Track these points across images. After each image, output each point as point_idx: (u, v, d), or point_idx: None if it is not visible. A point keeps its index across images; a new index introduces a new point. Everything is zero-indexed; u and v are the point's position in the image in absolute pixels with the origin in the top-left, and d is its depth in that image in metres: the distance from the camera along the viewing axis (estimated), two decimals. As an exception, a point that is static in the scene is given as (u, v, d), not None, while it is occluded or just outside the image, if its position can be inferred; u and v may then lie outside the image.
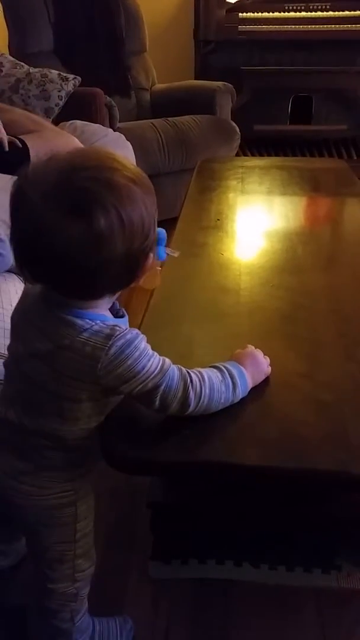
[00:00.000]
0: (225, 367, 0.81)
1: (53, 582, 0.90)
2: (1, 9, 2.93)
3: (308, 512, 1.10)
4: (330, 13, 3.38)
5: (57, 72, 2.51)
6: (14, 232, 0.70)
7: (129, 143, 2.19)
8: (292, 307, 1.13)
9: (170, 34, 3.61)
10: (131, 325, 0.81)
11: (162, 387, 0.74)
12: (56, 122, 2.21)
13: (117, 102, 2.68)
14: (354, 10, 3.35)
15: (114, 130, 2.30)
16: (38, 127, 1.80)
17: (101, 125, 2.24)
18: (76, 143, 1.81)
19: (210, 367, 0.81)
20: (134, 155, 2.12)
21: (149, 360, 0.73)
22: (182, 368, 0.77)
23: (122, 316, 0.81)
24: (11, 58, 2.57)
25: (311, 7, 3.38)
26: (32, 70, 2.49)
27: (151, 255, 0.75)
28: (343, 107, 3.52)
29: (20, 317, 0.80)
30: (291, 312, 1.12)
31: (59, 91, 2.44)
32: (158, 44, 3.42)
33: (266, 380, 0.87)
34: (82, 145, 1.81)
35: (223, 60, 3.47)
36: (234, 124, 3.04)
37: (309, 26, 3.38)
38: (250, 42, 3.42)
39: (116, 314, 0.80)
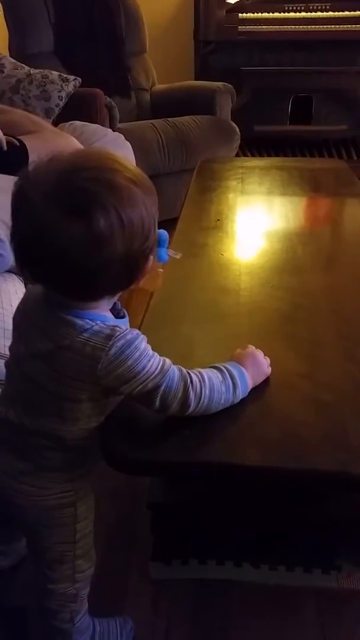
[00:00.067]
0: (225, 367, 0.81)
1: (53, 582, 0.90)
2: (1, 10, 2.93)
3: (308, 512, 1.10)
4: (330, 13, 3.38)
5: (57, 73, 2.51)
6: (14, 232, 0.70)
7: (128, 143, 2.19)
8: (292, 308, 1.13)
9: (170, 34, 3.61)
10: (131, 325, 0.81)
11: (162, 388, 0.74)
12: (56, 122, 2.22)
13: (117, 103, 2.68)
14: (354, 11, 3.35)
15: (114, 131, 2.30)
16: (38, 127, 1.80)
17: (100, 126, 2.24)
18: (75, 144, 1.81)
19: (211, 367, 0.81)
20: (133, 155, 2.12)
21: (149, 360, 0.73)
22: (183, 368, 0.77)
23: (122, 317, 0.81)
24: (12, 60, 2.57)
25: (311, 8, 3.38)
26: (32, 71, 2.49)
27: (151, 256, 0.75)
28: (343, 107, 3.52)
29: (22, 317, 0.80)
30: (291, 313, 1.12)
31: (59, 92, 2.44)
32: (158, 45, 3.42)
33: (266, 381, 0.87)
34: (81, 146, 1.81)
35: (223, 60, 3.47)
36: (234, 125, 3.04)
37: (309, 26, 3.38)
38: (250, 42, 3.42)
39: (117, 315, 0.80)
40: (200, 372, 0.78)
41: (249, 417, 0.82)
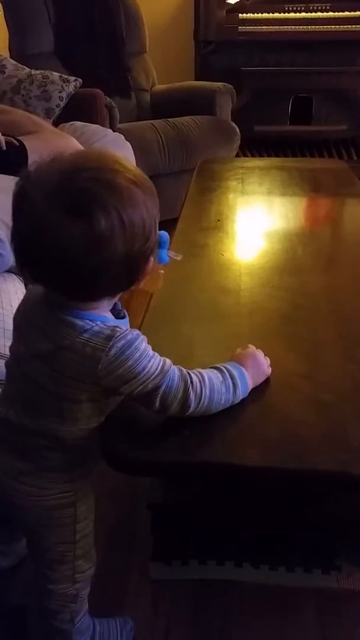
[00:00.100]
0: (226, 368, 0.81)
1: (53, 582, 0.90)
2: (1, 10, 2.93)
3: (308, 512, 1.10)
4: (330, 14, 3.38)
5: (58, 74, 2.51)
6: (15, 232, 0.70)
7: (128, 143, 2.19)
8: (292, 308, 1.13)
9: (170, 34, 3.61)
10: (132, 325, 0.81)
11: (163, 388, 0.74)
12: (57, 123, 2.22)
13: (118, 103, 2.68)
14: (354, 11, 3.35)
15: (114, 131, 2.30)
16: (38, 128, 1.80)
17: (101, 126, 2.24)
18: (75, 144, 1.81)
19: (211, 368, 0.81)
20: (133, 156, 2.12)
21: (149, 361, 0.73)
22: (183, 369, 0.77)
23: (123, 317, 0.81)
24: (13, 61, 2.58)
25: (311, 8, 3.38)
26: (33, 72, 2.49)
27: (152, 258, 0.75)
28: (343, 107, 3.52)
29: (23, 318, 0.81)
30: (291, 313, 1.12)
31: (60, 92, 2.44)
32: (158, 45, 3.42)
33: (266, 381, 0.87)
34: (81, 147, 1.81)
35: (223, 61, 3.47)
36: (234, 125, 3.04)
37: (309, 27, 3.38)
38: (251, 42, 3.42)
39: (117, 315, 0.80)
40: (200, 373, 0.78)
41: (249, 417, 0.82)
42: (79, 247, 0.66)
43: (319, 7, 3.38)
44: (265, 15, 3.40)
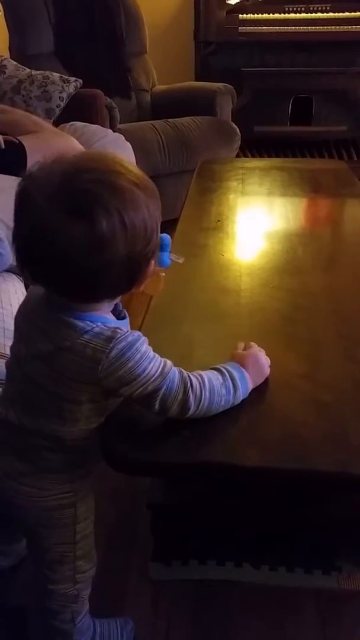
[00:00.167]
0: (226, 369, 0.81)
1: (54, 583, 0.90)
2: (2, 10, 2.93)
3: (308, 512, 1.10)
4: (331, 14, 3.38)
5: (58, 74, 2.51)
6: (17, 233, 0.70)
7: (128, 143, 2.19)
8: (292, 308, 1.13)
9: (171, 35, 3.61)
10: (132, 326, 0.81)
11: (162, 391, 0.74)
12: (57, 123, 2.22)
13: (118, 104, 2.69)
14: (354, 12, 3.36)
15: (115, 132, 2.30)
16: (38, 128, 1.80)
17: (101, 126, 2.24)
18: (75, 144, 1.81)
19: (212, 369, 0.81)
20: (133, 156, 2.12)
21: (149, 363, 0.73)
22: (183, 371, 0.77)
23: (123, 318, 0.81)
24: (14, 62, 2.58)
25: (311, 9, 3.38)
26: (34, 72, 2.50)
27: (153, 260, 0.75)
28: (343, 108, 3.52)
29: (24, 318, 0.81)
30: (291, 313, 1.12)
31: (60, 92, 2.45)
32: (158, 45, 3.42)
33: (266, 381, 0.87)
34: (81, 147, 1.81)
35: (223, 61, 3.47)
36: (234, 125, 3.05)
37: (309, 27, 3.38)
38: (251, 43, 3.42)
39: (118, 316, 0.80)
40: (200, 375, 0.78)
41: (249, 418, 0.82)
42: (80, 248, 0.66)
43: (319, 8, 3.38)
44: (265, 15, 3.40)
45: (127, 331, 0.73)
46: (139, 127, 2.80)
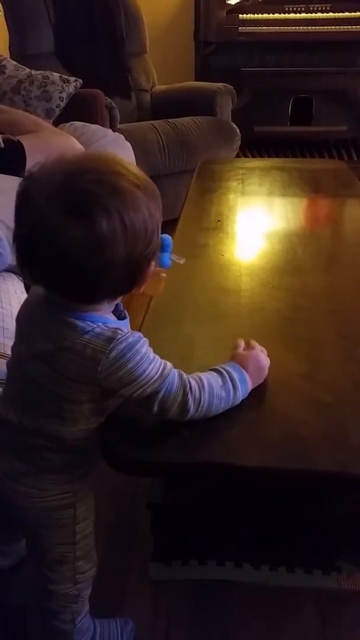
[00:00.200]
0: (226, 370, 0.81)
1: (54, 583, 0.90)
2: (2, 10, 2.93)
3: (308, 513, 1.10)
4: (331, 14, 3.38)
5: (58, 74, 2.51)
6: (17, 233, 0.70)
7: (128, 143, 2.19)
8: (292, 308, 1.13)
9: (171, 35, 3.61)
10: (132, 326, 0.81)
11: (162, 393, 0.74)
12: (57, 123, 2.22)
13: (118, 104, 2.69)
14: (354, 12, 3.36)
15: (114, 132, 2.30)
16: (37, 127, 1.80)
17: (100, 126, 2.24)
18: (74, 143, 1.81)
19: (212, 370, 0.81)
20: (133, 156, 2.12)
21: (149, 364, 0.73)
22: (183, 374, 0.77)
23: (124, 318, 0.81)
24: (14, 61, 2.58)
25: (311, 9, 3.39)
26: (34, 72, 2.50)
27: (153, 262, 0.75)
28: (343, 108, 3.52)
29: (25, 318, 0.81)
30: (291, 313, 1.12)
31: (60, 92, 2.45)
32: (158, 45, 3.42)
33: (266, 381, 0.87)
34: (80, 146, 1.81)
35: (223, 61, 3.47)
36: (234, 125, 3.05)
37: (309, 27, 3.39)
38: (251, 43, 3.42)
39: (119, 316, 0.80)
40: (200, 377, 0.78)
41: (249, 418, 0.82)
42: (80, 248, 0.66)
43: (319, 8, 3.38)
44: (265, 15, 3.40)
45: (128, 332, 0.73)
46: (139, 127, 2.80)
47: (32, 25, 2.91)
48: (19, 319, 0.82)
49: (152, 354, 0.74)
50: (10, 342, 0.87)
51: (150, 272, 0.75)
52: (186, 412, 0.76)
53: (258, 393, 0.85)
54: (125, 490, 1.34)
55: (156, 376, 0.73)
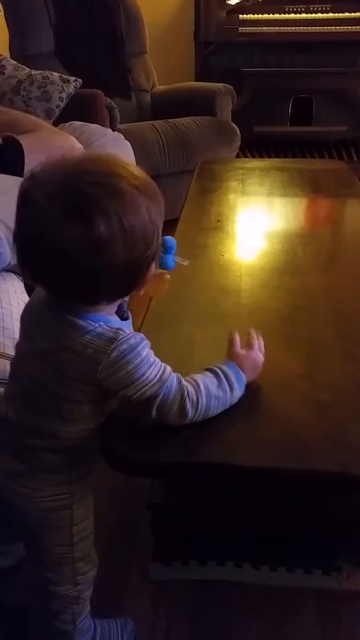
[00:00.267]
0: (222, 370, 0.81)
1: (54, 584, 0.90)
2: (2, 10, 2.93)
3: (308, 513, 1.10)
4: (331, 14, 3.38)
5: (58, 74, 2.51)
6: (18, 232, 0.70)
7: (128, 143, 2.19)
8: (292, 308, 1.13)
9: (171, 35, 3.61)
10: (132, 326, 0.81)
11: (160, 398, 0.74)
12: (57, 123, 2.22)
13: (118, 104, 2.69)
14: (354, 12, 3.36)
15: (114, 132, 2.30)
16: (37, 127, 1.80)
17: (100, 126, 2.24)
18: (74, 143, 1.80)
19: (208, 370, 0.81)
20: (133, 155, 2.12)
21: (149, 367, 0.73)
22: (182, 379, 0.76)
23: (126, 318, 0.81)
24: (13, 61, 2.58)
25: (311, 9, 3.39)
26: (33, 72, 2.49)
27: (153, 264, 0.75)
28: (343, 108, 3.52)
29: (30, 317, 0.80)
30: (291, 313, 1.12)
31: (60, 93, 2.44)
32: (158, 46, 3.42)
33: (266, 381, 0.87)
34: (80, 145, 1.81)
35: (223, 61, 3.47)
36: (234, 126, 3.05)
37: (309, 28, 3.39)
38: (251, 43, 3.42)
39: (122, 316, 0.80)
40: (196, 381, 0.78)
41: (249, 418, 0.82)
42: (78, 249, 0.66)
43: (319, 8, 3.39)
44: (265, 16, 3.40)
45: (130, 333, 0.73)
46: (139, 128, 2.80)
47: (32, 25, 2.91)
48: (23, 317, 0.82)
49: (152, 357, 0.74)
50: (10, 342, 0.87)
51: (150, 275, 0.75)
52: (184, 417, 0.76)
53: (258, 393, 0.85)
54: (125, 490, 1.34)
55: (155, 380, 0.73)
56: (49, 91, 2.44)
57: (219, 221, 1.60)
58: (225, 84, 3.08)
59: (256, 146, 3.60)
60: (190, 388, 0.76)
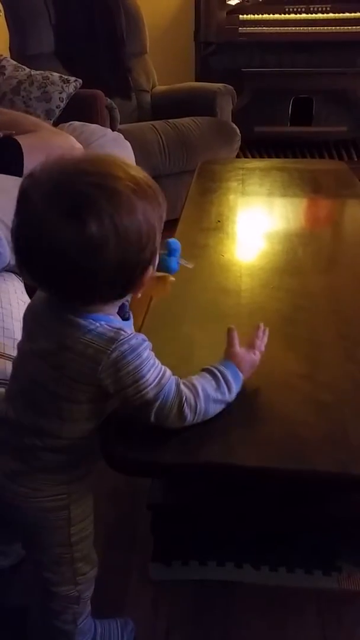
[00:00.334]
0: (220, 371, 0.80)
1: (55, 585, 0.90)
2: (2, 11, 2.94)
3: (308, 513, 1.10)
4: (331, 15, 3.38)
5: (58, 74, 2.51)
6: (16, 232, 0.70)
7: (128, 143, 2.19)
8: (292, 309, 1.13)
9: (171, 35, 3.61)
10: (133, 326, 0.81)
11: (159, 402, 0.74)
12: (57, 123, 2.22)
13: (118, 104, 2.69)
14: (354, 12, 3.36)
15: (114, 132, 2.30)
16: (36, 127, 1.80)
17: (100, 126, 2.24)
18: (74, 142, 1.81)
19: (205, 370, 0.81)
20: (133, 155, 2.12)
21: (149, 370, 0.73)
22: (180, 383, 0.76)
23: (127, 318, 0.80)
24: (13, 61, 2.58)
25: (311, 9, 3.39)
26: (33, 72, 2.50)
27: (151, 267, 0.74)
28: (343, 108, 3.52)
29: (32, 317, 0.80)
30: (291, 314, 1.12)
31: (60, 93, 2.45)
32: (158, 46, 3.42)
33: (266, 381, 0.87)
34: (79, 145, 1.81)
35: (223, 62, 3.47)
36: (234, 126, 3.05)
37: (310, 28, 3.39)
38: (251, 43, 3.42)
39: (123, 316, 0.80)
40: (193, 384, 0.77)
41: (249, 418, 0.82)
42: (72, 249, 0.65)
43: (319, 9, 3.39)
44: (265, 16, 3.40)
45: (132, 333, 0.73)
46: (139, 128, 2.80)
47: (32, 26, 2.91)
48: (26, 317, 0.82)
49: (153, 359, 0.74)
50: (10, 343, 0.87)
51: (149, 277, 0.75)
52: (183, 420, 0.76)
53: (258, 393, 0.85)
54: (125, 490, 1.34)
55: (154, 383, 0.73)
56: (49, 91, 2.44)
57: (219, 221, 1.60)
58: (226, 84, 3.08)
59: (256, 146, 3.60)
60: (188, 392, 0.76)
